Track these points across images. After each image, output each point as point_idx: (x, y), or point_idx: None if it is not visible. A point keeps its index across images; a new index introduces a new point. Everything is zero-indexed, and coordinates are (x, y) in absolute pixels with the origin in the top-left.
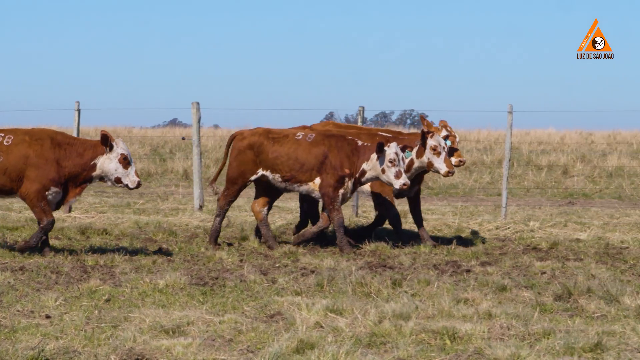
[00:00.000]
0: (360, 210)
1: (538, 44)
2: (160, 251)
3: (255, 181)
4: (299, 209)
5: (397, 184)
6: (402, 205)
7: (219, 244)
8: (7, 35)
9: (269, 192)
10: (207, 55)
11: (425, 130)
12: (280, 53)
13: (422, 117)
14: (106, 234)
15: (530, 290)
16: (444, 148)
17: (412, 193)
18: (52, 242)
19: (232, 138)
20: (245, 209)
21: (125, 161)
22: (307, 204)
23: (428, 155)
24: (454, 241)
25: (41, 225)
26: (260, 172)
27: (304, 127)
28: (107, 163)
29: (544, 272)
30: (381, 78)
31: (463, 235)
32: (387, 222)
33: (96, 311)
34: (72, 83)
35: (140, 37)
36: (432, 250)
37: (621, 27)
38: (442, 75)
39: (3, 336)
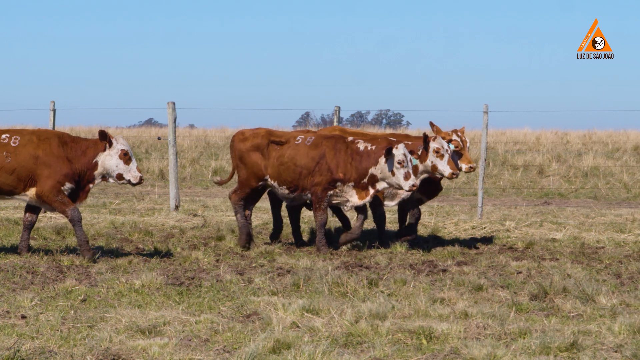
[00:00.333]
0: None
1: (538, 44)
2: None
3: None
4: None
5: (407, 185)
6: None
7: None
8: None
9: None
10: (183, 56)
11: (435, 135)
12: (256, 53)
13: (432, 124)
14: None
15: (506, 290)
16: (447, 150)
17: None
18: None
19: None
20: (221, 208)
21: (126, 157)
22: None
23: (431, 158)
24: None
25: (69, 218)
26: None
27: (307, 132)
28: (108, 160)
29: (520, 272)
30: (357, 78)
31: (439, 235)
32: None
33: (72, 311)
34: (47, 83)
35: (116, 37)
36: (409, 250)
37: (621, 27)
38: (418, 75)
39: None
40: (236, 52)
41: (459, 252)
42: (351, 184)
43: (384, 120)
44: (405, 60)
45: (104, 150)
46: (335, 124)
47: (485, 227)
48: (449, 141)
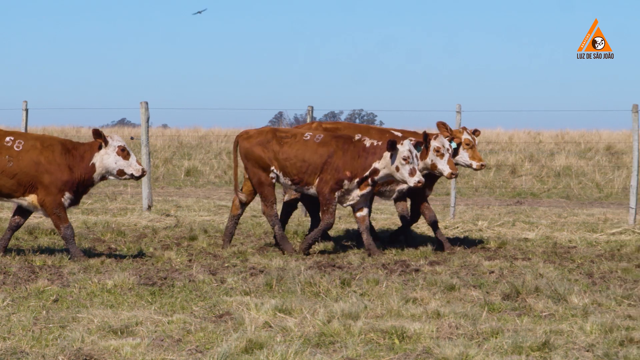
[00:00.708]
0: None
1: (538, 44)
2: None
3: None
4: (249, 208)
5: (412, 181)
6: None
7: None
8: None
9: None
10: (155, 55)
11: (448, 135)
12: (228, 53)
13: (441, 124)
14: (54, 234)
15: (479, 290)
16: (447, 150)
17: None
18: None
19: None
20: (194, 208)
21: (124, 152)
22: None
23: (431, 157)
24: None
25: (61, 235)
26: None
27: (310, 125)
28: (106, 158)
29: (493, 272)
30: (330, 78)
31: (412, 234)
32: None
33: (44, 311)
34: (19, 83)
35: (89, 37)
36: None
37: (621, 27)
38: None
39: None
40: (209, 52)
41: (432, 251)
42: (356, 180)
43: (357, 120)
44: (380, 60)
45: (99, 149)
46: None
47: (457, 227)
48: (450, 139)
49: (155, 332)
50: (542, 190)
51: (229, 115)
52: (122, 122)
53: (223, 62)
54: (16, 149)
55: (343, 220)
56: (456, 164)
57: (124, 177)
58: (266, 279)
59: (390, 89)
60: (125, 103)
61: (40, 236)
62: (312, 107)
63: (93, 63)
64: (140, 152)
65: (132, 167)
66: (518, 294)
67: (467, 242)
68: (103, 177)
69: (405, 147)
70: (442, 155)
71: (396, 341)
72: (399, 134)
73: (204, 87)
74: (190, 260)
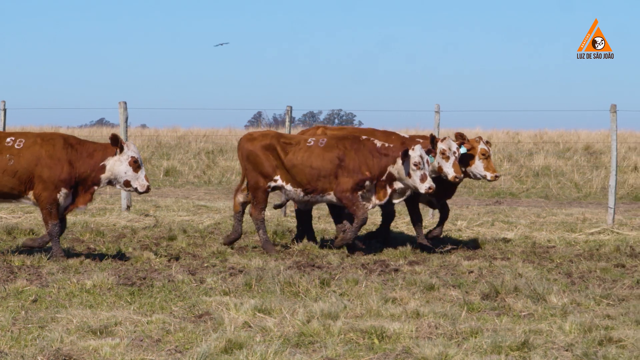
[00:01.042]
0: (288, 210)
1: (538, 44)
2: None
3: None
4: (228, 208)
5: (423, 187)
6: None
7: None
8: None
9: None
10: (134, 55)
11: (466, 144)
12: (207, 53)
13: (459, 134)
14: (33, 234)
15: (458, 289)
16: (453, 153)
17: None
18: None
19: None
20: (173, 208)
21: (136, 164)
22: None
23: (437, 159)
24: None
25: (47, 232)
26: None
27: (317, 128)
28: (118, 165)
29: (472, 271)
30: (308, 78)
31: (391, 234)
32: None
33: (23, 312)
34: None
35: (68, 37)
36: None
37: (621, 27)
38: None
39: None
40: (188, 52)
41: (411, 251)
42: (374, 182)
43: (336, 120)
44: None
45: (114, 155)
46: (286, 123)
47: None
48: (460, 144)
49: (135, 332)
50: (521, 190)
51: (207, 115)
52: (101, 122)
53: (201, 62)
54: (17, 147)
55: (322, 220)
56: (470, 174)
57: (128, 188)
58: (245, 279)
59: (369, 89)
60: (104, 103)
61: (19, 236)
62: (291, 107)
63: (72, 63)
64: None
65: (138, 181)
66: (497, 293)
67: (446, 242)
68: (110, 182)
69: (416, 153)
70: (447, 158)
71: (376, 341)
72: (406, 136)
73: (182, 87)
74: (169, 261)
